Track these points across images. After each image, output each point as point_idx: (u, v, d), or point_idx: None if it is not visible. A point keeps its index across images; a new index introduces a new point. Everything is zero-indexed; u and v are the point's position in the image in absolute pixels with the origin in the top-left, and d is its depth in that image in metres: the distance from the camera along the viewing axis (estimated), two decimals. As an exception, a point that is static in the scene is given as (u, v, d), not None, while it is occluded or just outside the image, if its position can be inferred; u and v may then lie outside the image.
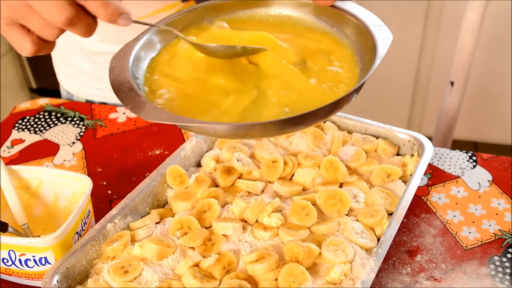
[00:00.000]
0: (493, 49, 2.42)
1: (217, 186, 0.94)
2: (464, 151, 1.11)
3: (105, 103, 1.31)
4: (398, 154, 1.02)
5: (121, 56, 0.75)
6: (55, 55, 1.34)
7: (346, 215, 0.88)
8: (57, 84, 1.40)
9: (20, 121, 1.25)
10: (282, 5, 0.86)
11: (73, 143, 1.18)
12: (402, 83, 2.60)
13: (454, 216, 0.98)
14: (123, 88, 0.69)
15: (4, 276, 0.88)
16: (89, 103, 1.30)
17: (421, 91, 2.62)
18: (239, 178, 0.93)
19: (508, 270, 0.88)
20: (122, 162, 1.12)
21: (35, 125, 1.24)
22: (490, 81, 2.51)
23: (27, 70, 2.56)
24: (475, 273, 0.88)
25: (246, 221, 0.86)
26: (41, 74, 2.58)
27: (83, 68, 1.28)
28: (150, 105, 0.67)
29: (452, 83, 1.48)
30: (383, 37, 0.73)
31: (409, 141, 1.00)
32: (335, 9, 0.81)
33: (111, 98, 1.29)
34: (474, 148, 2.77)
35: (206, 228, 0.86)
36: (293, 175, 0.95)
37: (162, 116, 0.65)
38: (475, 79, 2.42)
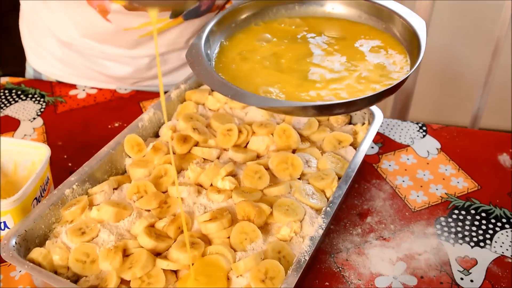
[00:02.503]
0: (451, 34, 2.47)
1: (174, 154, 0.96)
2: (415, 122, 1.16)
3: (75, 85, 1.32)
4: (350, 123, 1.05)
5: (194, 53, 0.82)
6: (26, 36, 1.34)
7: (299, 179, 0.91)
8: (20, 72, 1.39)
9: (-20, 99, 1.26)
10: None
11: (34, 118, 1.19)
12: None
13: (403, 181, 1.02)
14: (214, 81, 0.77)
15: (-37, 243, 0.89)
16: (50, 81, 1.31)
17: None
18: (195, 146, 0.96)
19: (453, 230, 0.93)
20: (83, 136, 1.14)
21: (-5, 102, 1.25)
22: (449, 64, 2.57)
23: (-11, 57, 2.54)
24: (422, 233, 0.92)
25: (201, 186, 0.89)
26: (5, 62, 2.56)
27: (53, 51, 1.29)
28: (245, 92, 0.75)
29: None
30: (420, 28, 0.83)
31: (361, 110, 1.04)
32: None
33: (81, 81, 1.30)
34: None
35: (163, 193, 0.88)
36: (247, 143, 0.98)
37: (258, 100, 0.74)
38: (434, 61, 2.48)
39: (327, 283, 0.84)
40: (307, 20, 0.95)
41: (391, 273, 0.86)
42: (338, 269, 0.86)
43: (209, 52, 0.86)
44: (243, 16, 0.93)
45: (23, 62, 1.41)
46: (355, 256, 0.88)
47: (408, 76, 0.78)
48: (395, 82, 0.76)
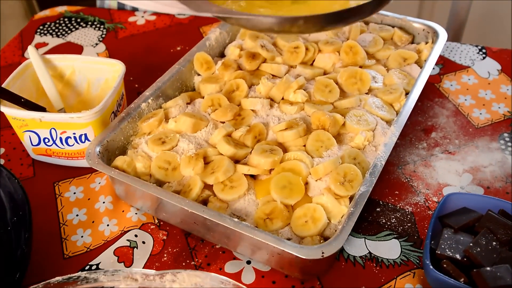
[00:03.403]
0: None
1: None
2: (474, 45, 1.16)
3: (136, 9, 1.33)
4: (412, 43, 1.06)
5: None
6: None
7: (366, 93, 0.93)
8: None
9: (41, 27, 1.28)
10: None
11: (96, 44, 1.22)
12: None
13: (466, 100, 1.03)
14: None
15: (44, 158, 0.93)
16: (108, 9, 1.33)
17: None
18: (263, 63, 0.98)
19: (517, 145, 0.94)
20: (146, 59, 1.16)
21: (56, 30, 1.27)
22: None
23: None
24: (486, 147, 0.94)
25: (272, 100, 0.91)
26: (46, 1, 2.58)
27: None
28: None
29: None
30: None
31: (424, 30, 1.04)
32: None
33: (142, 3, 1.31)
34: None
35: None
36: (314, 61, 0.99)
37: (213, 9, 0.69)
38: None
39: (396, 192, 0.87)
40: None
41: (458, 184, 0.88)
42: (406, 180, 0.89)
43: None
44: None
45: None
46: (422, 168, 0.90)
47: None
48: None
